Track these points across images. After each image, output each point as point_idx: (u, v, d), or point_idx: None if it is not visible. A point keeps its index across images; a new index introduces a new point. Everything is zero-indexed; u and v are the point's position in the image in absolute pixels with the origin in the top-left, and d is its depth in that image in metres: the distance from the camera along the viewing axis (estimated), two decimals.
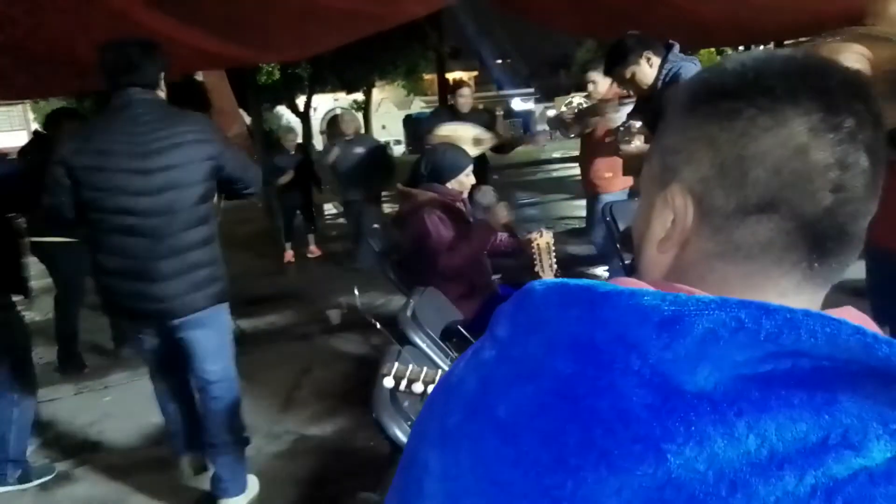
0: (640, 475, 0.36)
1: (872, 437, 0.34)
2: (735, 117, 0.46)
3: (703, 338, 0.38)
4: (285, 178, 7.04)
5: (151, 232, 2.17)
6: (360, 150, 6.17)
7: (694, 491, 0.35)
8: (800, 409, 0.35)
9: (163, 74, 2.26)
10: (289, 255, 7.28)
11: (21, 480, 2.79)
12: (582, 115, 3.93)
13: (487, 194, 2.90)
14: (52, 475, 2.86)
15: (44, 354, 4.53)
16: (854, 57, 1.47)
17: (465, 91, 5.09)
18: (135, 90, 2.17)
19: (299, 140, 7.78)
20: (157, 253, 2.18)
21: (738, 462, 0.35)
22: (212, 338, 2.37)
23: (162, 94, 2.28)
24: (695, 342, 0.38)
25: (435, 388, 0.52)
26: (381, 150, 6.53)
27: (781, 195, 0.45)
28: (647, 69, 2.73)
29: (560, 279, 0.46)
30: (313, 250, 7.44)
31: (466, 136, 4.43)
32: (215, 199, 2.42)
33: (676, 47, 2.75)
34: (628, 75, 2.76)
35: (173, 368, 2.50)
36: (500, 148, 4.83)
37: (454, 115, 4.91)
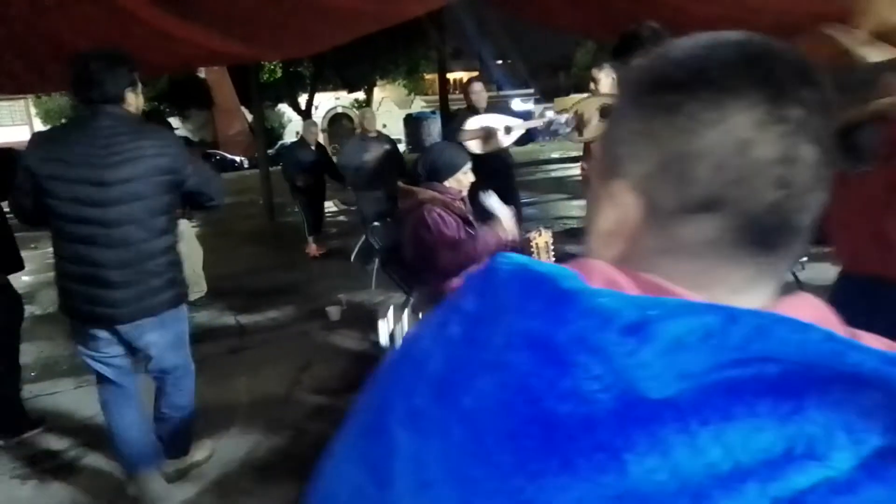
0: (601, 484, 0.35)
1: (837, 446, 0.34)
2: (677, 111, 0.44)
3: (669, 344, 0.37)
4: (302, 181, 7.03)
5: (107, 242, 2.25)
6: (385, 147, 6.24)
7: (654, 501, 0.34)
8: (765, 419, 0.34)
9: (130, 88, 2.31)
10: (312, 248, 7.23)
11: None
12: (606, 114, 3.86)
13: (496, 203, 2.90)
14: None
15: (44, 348, 4.56)
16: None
17: (478, 87, 5.01)
18: (97, 105, 2.24)
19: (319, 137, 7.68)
20: (111, 262, 2.26)
21: (701, 474, 0.34)
22: (167, 336, 2.46)
23: (130, 106, 2.32)
24: (660, 349, 0.37)
25: (399, 353, 0.51)
26: (397, 148, 6.59)
27: (725, 193, 0.43)
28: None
29: (525, 260, 0.45)
30: (313, 249, 7.43)
31: (497, 125, 4.45)
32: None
33: None
34: None
35: (125, 374, 2.52)
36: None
37: (475, 112, 4.90)
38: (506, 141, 4.40)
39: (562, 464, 0.36)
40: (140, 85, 2.39)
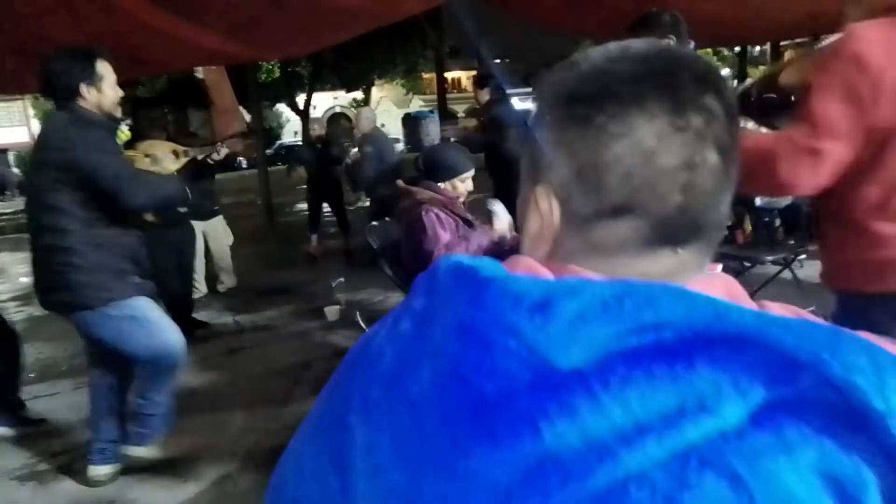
0: (522, 453, 0.38)
1: (726, 400, 0.37)
2: (587, 124, 0.48)
3: (572, 318, 0.40)
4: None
5: (29, 227, 2.48)
6: (367, 149, 6.14)
7: (567, 462, 0.37)
8: (660, 380, 0.38)
9: (86, 84, 2.30)
10: (312, 246, 7.16)
11: None
12: None
13: (496, 204, 2.87)
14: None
15: (43, 350, 4.56)
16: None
17: (477, 90, 5.47)
18: (55, 100, 2.35)
19: (321, 132, 7.53)
20: (33, 248, 2.46)
21: (606, 432, 0.37)
22: (104, 335, 2.46)
23: (88, 101, 2.31)
24: (565, 323, 0.40)
25: (356, 350, 0.54)
26: (384, 146, 6.37)
27: (633, 199, 0.47)
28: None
29: (459, 258, 0.48)
30: (315, 248, 7.40)
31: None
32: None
33: (692, 45, 2.73)
34: None
35: (104, 363, 2.63)
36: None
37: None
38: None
39: (488, 437, 0.40)
40: (105, 79, 2.34)
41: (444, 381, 0.43)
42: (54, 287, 2.39)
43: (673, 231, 0.48)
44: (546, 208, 0.51)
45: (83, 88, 2.29)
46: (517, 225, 0.56)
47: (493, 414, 0.40)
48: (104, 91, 2.34)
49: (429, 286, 0.49)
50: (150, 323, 2.51)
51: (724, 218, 0.50)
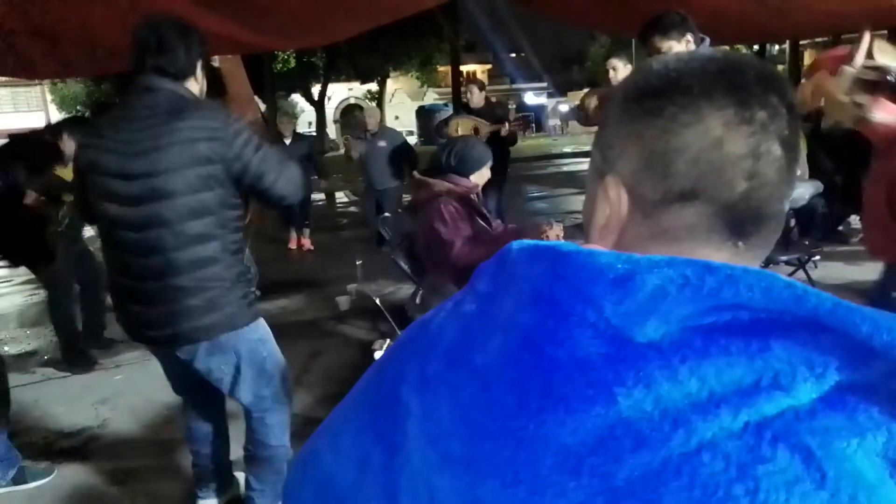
0: (594, 416, 0.40)
1: (800, 379, 0.38)
2: (658, 115, 0.50)
3: (653, 293, 0.41)
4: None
5: (138, 248, 1.83)
6: (382, 143, 6.39)
7: (641, 428, 0.39)
8: (736, 356, 0.39)
9: (200, 64, 1.92)
10: (293, 240, 7.34)
11: (16, 482, 2.66)
12: (605, 101, 3.90)
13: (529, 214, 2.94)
14: (51, 476, 2.73)
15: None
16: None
17: (475, 90, 5.84)
18: (158, 78, 1.83)
19: (309, 128, 7.75)
20: (143, 273, 1.84)
21: (681, 402, 0.39)
22: (229, 365, 1.97)
23: (196, 86, 1.92)
24: (645, 297, 0.41)
25: (411, 331, 0.55)
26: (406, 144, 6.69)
27: (700, 184, 0.49)
28: (683, 51, 2.63)
29: (534, 241, 0.49)
30: (304, 243, 7.37)
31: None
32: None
33: (707, 41, 2.71)
34: (664, 48, 2.58)
35: (194, 391, 2.21)
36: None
37: (467, 110, 5.69)
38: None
39: (559, 402, 0.41)
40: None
41: (515, 349, 0.44)
42: (187, 312, 1.84)
43: (737, 220, 0.50)
44: (615, 197, 0.53)
45: (199, 69, 1.92)
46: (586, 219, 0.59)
47: (565, 381, 0.41)
48: (204, 77, 1.97)
49: (497, 269, 0.51)
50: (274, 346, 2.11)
51: (784, 213, 0.52)
